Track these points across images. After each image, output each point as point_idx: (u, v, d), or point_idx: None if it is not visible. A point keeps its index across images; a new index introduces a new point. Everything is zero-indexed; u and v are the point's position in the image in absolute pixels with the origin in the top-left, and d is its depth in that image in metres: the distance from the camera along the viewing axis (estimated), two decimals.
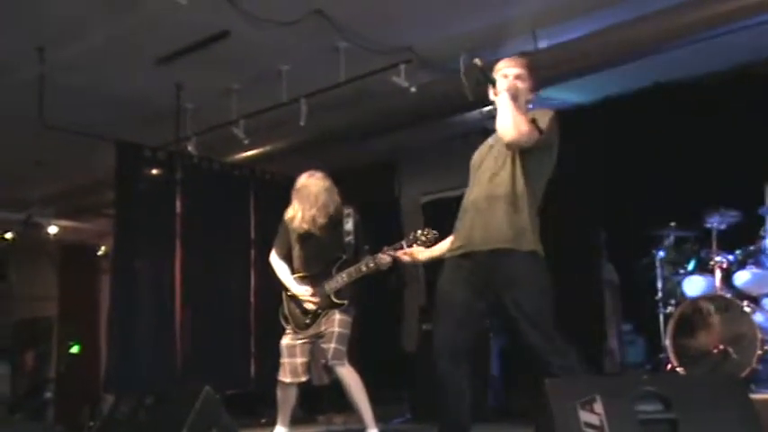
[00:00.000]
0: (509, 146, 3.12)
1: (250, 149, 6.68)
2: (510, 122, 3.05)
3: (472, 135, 6.49)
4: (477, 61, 3.21)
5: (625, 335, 6.31)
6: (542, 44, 5.38)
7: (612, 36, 4.98)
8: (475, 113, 6.12)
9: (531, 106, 3.30)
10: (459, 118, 6.41)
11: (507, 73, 3.24)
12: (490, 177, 3.18)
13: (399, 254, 3.81)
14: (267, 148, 6.73)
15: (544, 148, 3.13)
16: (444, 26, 5.25)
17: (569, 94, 6.44)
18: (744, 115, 5.63)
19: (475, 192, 3.24)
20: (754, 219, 5.16)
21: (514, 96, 3.14)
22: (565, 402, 2.48)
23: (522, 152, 3.12)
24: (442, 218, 7.24)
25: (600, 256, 6.39)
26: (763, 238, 5.05)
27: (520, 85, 3.22)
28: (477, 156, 3.36)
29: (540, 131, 3.09)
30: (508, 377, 5.90)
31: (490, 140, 3.39)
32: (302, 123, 5.89)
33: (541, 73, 5.23)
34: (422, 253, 3.65)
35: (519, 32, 5.32)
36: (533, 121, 3.11)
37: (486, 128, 6.05)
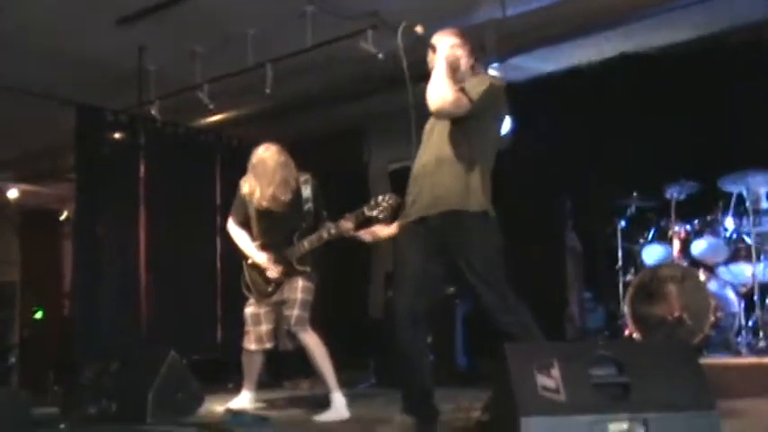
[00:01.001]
0: (436, 114, 3.18)
1: (215, 114, 6.65)
2: (437, 91, 3.11)
3: None
4: (419, 29, 3.25)
5: (586, 302, 6.46)
6: (511, 11, 5.41)
7: (580, 4, 5.03)
8: None
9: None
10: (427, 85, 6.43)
11: (445, 43, 3.28)
12: (437, 142, 3.24)
13: (361, 233, 3.82)
14: (233, 113, 6.71)
15: (478, 117, 3.16)
16: None
17: (538, 63, 6.49)
18: (706, 88, 5.74)
19: (424, 157, 3.30)
20: (712, 190, 5.30)
21: (453, 65, 3.18)
22: (523, 366, 2.57)
23: (456, 120, 3.16)
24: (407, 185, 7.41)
25: (564, 225, 6.51)
26: (720, 208, 5.20)
27: (458, 52, 3.26)
28: (429, 122, 3.40)
29: (471, 100, 3.13)
30: (474, 342, 6.03)
31: None
32: (268, 90, 5.87)
33: (509, 40, 5.35)
34: (383, 230, 3.68)
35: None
36: (463, 90, 3.14)
37: None
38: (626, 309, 5.20)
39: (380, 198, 4.07)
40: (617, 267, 5.64)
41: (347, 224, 4.18)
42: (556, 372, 2.57)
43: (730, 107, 5.53)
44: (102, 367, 4.48)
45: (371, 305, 7.66)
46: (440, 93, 3.11)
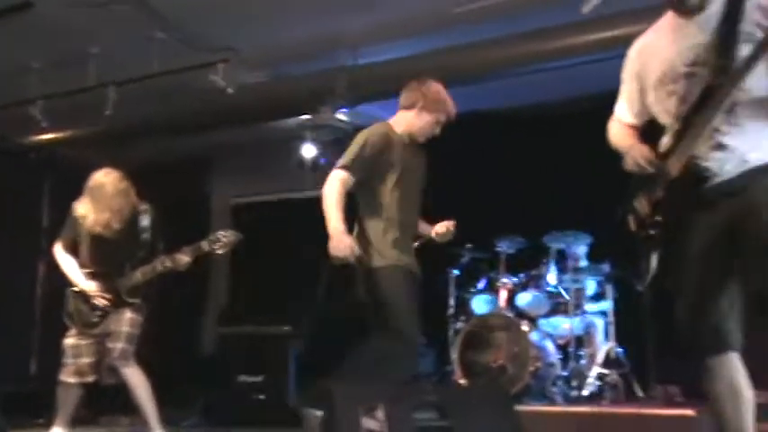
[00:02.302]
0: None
1: (49, 132, 6.31)
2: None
3: (290, 141, 6.60)
4: None
5: (418, 347, 6.63)
6: (363, 60, 5.59)
7: (428, 61, 5.26)
8: (293, 120, 6.22)
9: None
10: (276, 123, 6.48)
11: None
12: None
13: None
14: (69, 132, 6.41)
15: (361, 178, 3.36)
16: (268, 31, 5.31)
17: (388, 113, 6.69)
18: (539, 149, 6.17)
19: None
20: (538, 246, 5.67)
21: None
22: (349, 408, 2.63)
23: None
24: (251, 221, 7.37)
25: None
26: (545, 263, 5.56)
27: None
28: None
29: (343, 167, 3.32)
30: (306, 381, 6.02)
31: None
32: (108, 112, 5.68)
33: (359, 88, 5.51)
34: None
35: (340, 46, 5.49)
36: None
37: (302, 136, 6.20)
38: (454, 355, 5.41)
39: (220, 234, 4.05)
40: (448, 315, 5.85)
41: (183, 257, 4.11)
42: (381, 414, 2.65)
43: (559, 170, 5.97)
44: None
45: (205, 339, 7.47)
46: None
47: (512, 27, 4.84)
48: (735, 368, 2.25)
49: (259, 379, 5.83)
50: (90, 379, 4.29)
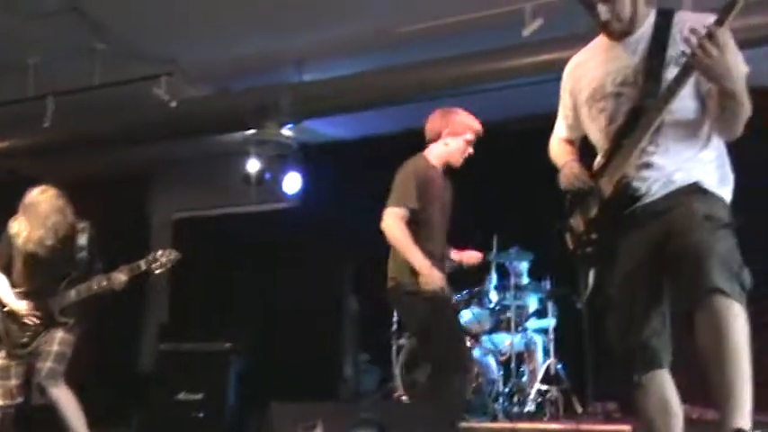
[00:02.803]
0: None
1: None
2: None
3: (233, 156, 6.55)
4: None
5: (362, 363, 6.64)
6: (307, 77, 5.60)
7: (370, 80, 5.31)
8: (237, 135, 6.19)
9: None
10: (221, 137, 6.44)
11: None
12: None
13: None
14: (6, 144, 6.24)
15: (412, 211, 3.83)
16: (213, 45, 5.28)
17: (332, 128, 6.74)
18: (484, 166, 6.24)
19: None
20: (482, 263, 5.71)
21: None
22: (287, 425, 2.61)
23: None
24: (193, 237, 7.28)
25: (345, 289, 6.70)
26: (487, 281, 5.63)
27: None
28: None
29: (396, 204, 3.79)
30: (246, 397, 5.95)
31: None
32: (47, 124, 5.56)
33: (304, 105, 5.52)
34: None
35: (285, 62, 5.49)
36: None
37: (246, 150, 6.17)
38: (397, 371, 5.42)
39: (160, 253, 4.01)
40: (392, 331, 5.86)
41: (120, 277, 4.04)
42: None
43: (502, 187, 6.06)
44: None
45: (144, 356, 7.33)
46: None
47: (455, 48, 4.91)
48: (664, 384, 2.31)
49: (198, 397, 5.75)
50: (18, 400, 4.17)
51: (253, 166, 6.14)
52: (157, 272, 4.06)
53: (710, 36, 2.02)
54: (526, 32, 4.47)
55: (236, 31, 5.10)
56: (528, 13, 4.44)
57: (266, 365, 6.13)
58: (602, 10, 2.27)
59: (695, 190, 2.24)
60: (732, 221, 2.22)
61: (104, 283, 4.07)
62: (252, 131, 5.79)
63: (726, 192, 2.29)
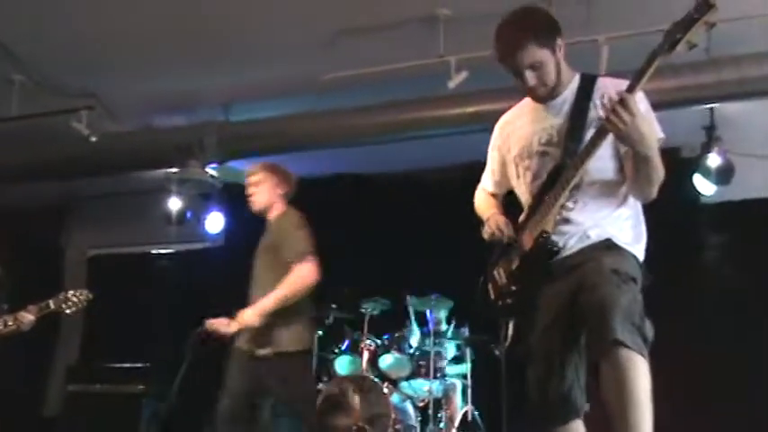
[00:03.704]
0: None
1: None
2: None
3: (153, 193, 6.45)
4: None
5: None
6: (233, 117, 5.60)
7: (298, 123, 5.35)
8: (159, 172, 6.11)
9: None
10: (142, 174, 6.33)
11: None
12: None
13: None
14: None
15: None
16: (137, 81, 5.24)
17: None
18: (404, 214, 6.35)
19: None
20: (402, 308, 5.77)
21: None
22: None
23: None
24: (108, 274, 7.08)
25: None
26: (407, 326, 5.67)
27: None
28: None
29: None
30: None
31: None
32: None
33: (229, 144, 5.51)
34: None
35: (211, 102, 5.49)
36: None
37: (168, 188, 6.09)
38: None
39: (71, 293, 3.92)
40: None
41: (27, 317, 3.90)
42: None
43: (424, 235, 6.16)
44: None
45: (51, 398, 7.02)
46: None
47: (381, 96, 5.00)
48: None
49: None
50: None
51: (174, 204, 6.06)
52: (68, 312, 3.95)
53: (622, 102, 2.14)
54: (452, 84, 4.59)
55: (161, 67, 5.07)
56: (453, 66, 4.57)
57: (183, 410, 5.98)
58: (530, 76, 2.38)
59: (608, 246, 2.34)
60: (640, 277, 2.32)
61: (11, 324, 3.92)
62: (174, 169, 5.73)
63: (638, 249, 2.40)
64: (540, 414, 2.41)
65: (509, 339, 2.55)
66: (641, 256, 2.40)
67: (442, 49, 4.51)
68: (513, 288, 2.49)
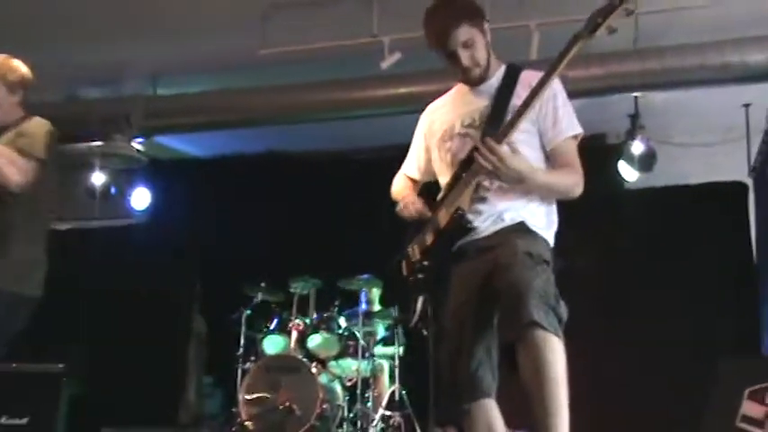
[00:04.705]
0: None
1: None
2: None
3: (79, 168, 6.31)
4: None
5: (206, 387, 6.52)
6: (162, 90, 5.50)
7: (229, 99, 5.30)
8: (82, 146, 5.97)
9: None
10: (63, 147, 6.15)
11: None
12: None
13: None
14: None
15: None
16: (60, 49, 5.08)
17: (188, 146, 6.65)
18: (337, 193, 6.37)
19: None
20: (332, 288, 5.80)
21: None
22: None
23: None
24: None
25: (191, 308, 6.57)
26: (337, 306, 5.70)
27: None
28: None
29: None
30: (79, 423, 5.67)
31: None
32: None
33: (157, 119, 5.42)
34: None
35: (139, 73, 5.38)
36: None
37: (92, 163, 5.96)
38: (240, 395, 5.35)
39: None
40: (238, 354, 5.80)
41: None
42: None
43: (355, 215, 6.18)
44: None
45: None
46: None
47: (313, 75, 5.00)
48: (491, 412, 2.44)
49: (23, 422, 5.40)
50: None
51: (98, 179, 5.94)
52: None
53: (490, 150, 2.24)
54: (384, 65, 4.62)
55: (87, 36, 4.95)
56: (387, 47, 4.60)
57: (102, 389, 5.89)
58: (464, 55, 2.43)
59: (521, 229, 2.41)
60: (551, 260, 2.40)
61: None
62: (99, 143, 5.61)
63: (549, 234, 2.48)
64: (450, 392, 2.46)
65: (416, 314, 2.57)
66: (552, 242, 2.48)
67: (375, 29, 4.53)
68: (426, 263, 2.51)
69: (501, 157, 2.25)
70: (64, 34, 4.91)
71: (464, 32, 2.40)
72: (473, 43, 2.42)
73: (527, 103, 2.32)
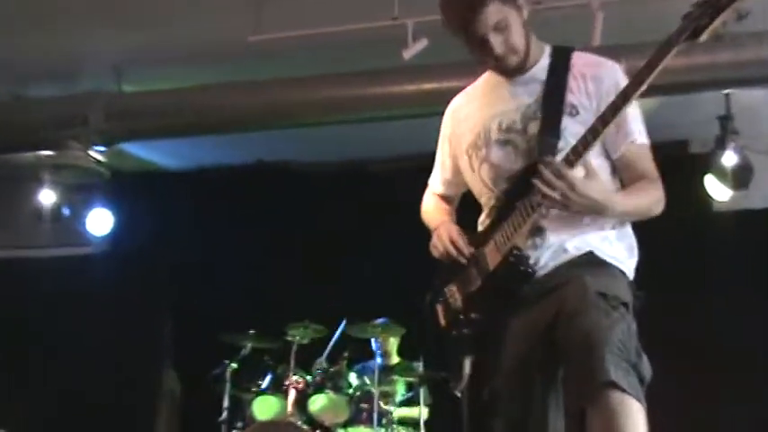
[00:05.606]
0: None
1: None
2: None
3: (22, 183, 6.36)
4: None
5: None
6: (127, 87, 5.52)
7: (210, 96, 5.30)
8: (29, 156, 6.01)
9: None
10: (5, 158, 6.24)
11: None
12: None
13: None
14: None
15: None
16: (4, 38, 5.12)
17: (156, 155, 6.67)
18: (347, 214, 6.35)
19: None
20: (340, 337, 5.75)
21: None
22: None
23: None
24: None
25: (161, 361, 6.57)
26: (345, 359, 5.65)
27: None
28: None
29: None
30: None
31: None
32: None
33: (122, 123, 5.43)
34: None
35: (100, 67, 5.40)
36: None
37: (40, 178, 5.99)
38: None
39: None
40: (220, 420, 5.75)
41: None
42: None
43: (368, 247, 6.18)
44: None
45: None
46: None
47: (317, 68, 5.01)
48: None
49: None
50: None
51: (47, 197, 5.96)
52: None
53: (557, 175, 2.19)
54: (407, 55, 4.60)
55: (37, 22, 4.97)
56: (410, 31, 4.57)
57: None
58: (496, 42, 2.36)
59: (591, 261, 2.34)
60: (632, 300, 2.33)
61: None
62: (49, 152, 5.63)
63: (629, 266, 2.40)
64: None
65: (465, 379, 2.52)
66: (632, 275, 2.41)
67: (396, 10, 4.51)
68: (473, 316, 2.46)
69: (572, 183, 2.19)
70: (5, 19, 4.92)
71: (494, 12, 2.34)
72: (507, 25, 2.36)
73: (605, 121, 2.23)
